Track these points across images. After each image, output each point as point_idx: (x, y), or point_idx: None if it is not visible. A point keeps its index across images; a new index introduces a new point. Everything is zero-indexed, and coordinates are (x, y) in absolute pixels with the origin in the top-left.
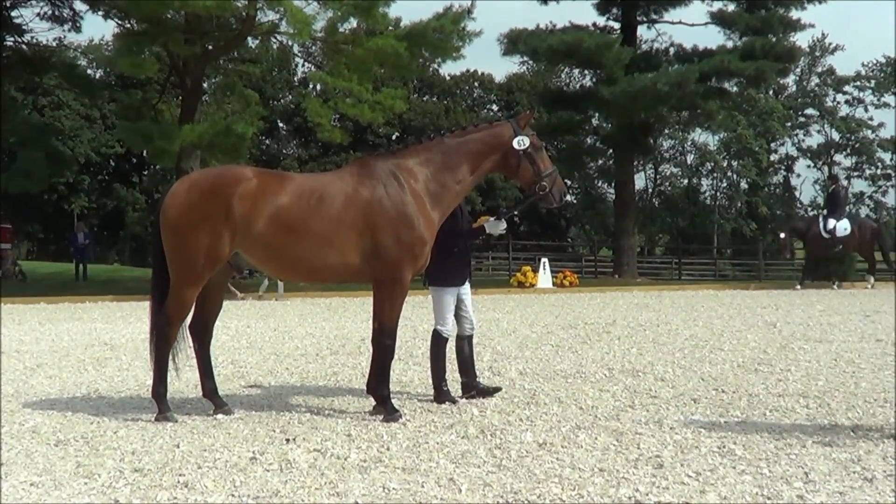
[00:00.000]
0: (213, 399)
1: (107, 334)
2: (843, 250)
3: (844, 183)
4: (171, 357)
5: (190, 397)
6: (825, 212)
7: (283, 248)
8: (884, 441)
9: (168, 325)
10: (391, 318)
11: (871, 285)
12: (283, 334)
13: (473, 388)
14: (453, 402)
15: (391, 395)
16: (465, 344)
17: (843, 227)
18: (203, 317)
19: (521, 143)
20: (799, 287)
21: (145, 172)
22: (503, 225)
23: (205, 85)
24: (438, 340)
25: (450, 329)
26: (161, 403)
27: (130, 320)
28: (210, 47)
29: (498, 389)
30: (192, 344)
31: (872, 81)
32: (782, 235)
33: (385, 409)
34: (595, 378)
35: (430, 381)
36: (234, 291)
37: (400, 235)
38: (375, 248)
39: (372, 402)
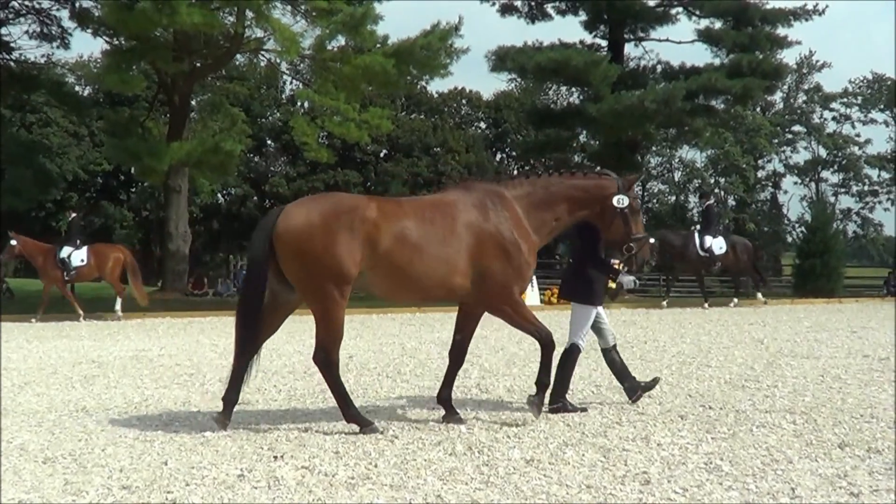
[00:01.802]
0: (226, 409)
1: (94, 352)
2: (722, 268)
3: (712, 201)
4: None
5: (177, 414)
6: (699, 228)
7: (406, 266)
8: (870, 456)
9: (328, 355)
10: (526, 321)
11: (735, 303)
12: (272, 352)
13: (639, 388)
14: (577, 410)
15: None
16: (614, 354)
17: (718, 245)
18: (258, 334)
19: (620, 201)
20: (707, 306)
21: (133, 190)
22: (631, 282)
23: (192, 102)
24: (574, 353)
25: (584, 344)
26: (359, 420)
27: (118, 338)
28: (198, 65)
29: (657, 380)
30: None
31: (859, 98)
32: (651, 240)
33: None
34: (583, 395)
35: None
36: (78, 310)
37: (509, 259)
38: (485, 272)
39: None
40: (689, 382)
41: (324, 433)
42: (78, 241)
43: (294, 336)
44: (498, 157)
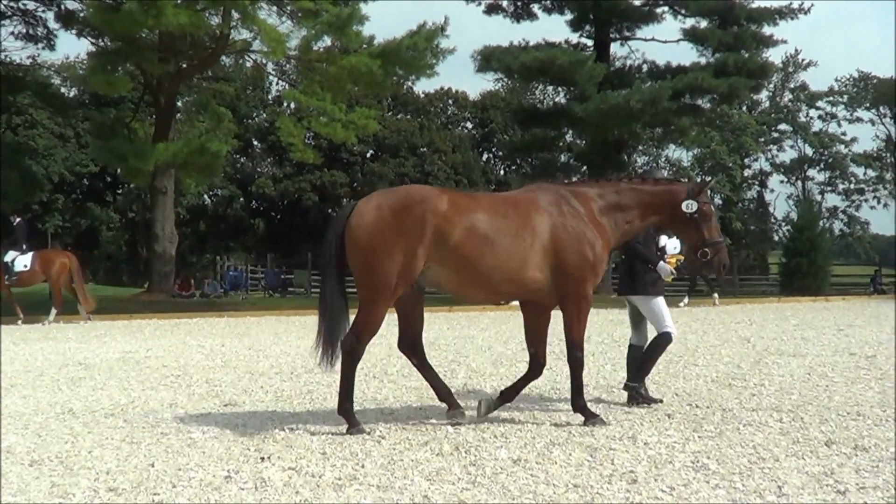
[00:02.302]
0: (448, 401)
1: (81, 354)
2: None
3: None
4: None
5: (164, 416)
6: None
7: (476, 260)
8: (857, 454)
9: (358, 343)
10: (579, 331)
11: (686, 303)
12: (258, 353)
13: (641, 397)
14: (656, 401)
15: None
16: (638, 353)
17: (673, 245)
18: (410, 332)
19: (689, 206)
20: (682, 305)
21: (119, 191)
22: (669, 272)
23: (178, 103)
24: (665, 341)
25: (674, 329)
26: (350, 418)
27: (105, 339)
28: (184, 65)
29: (660, 401)
30: (411, 362)
31: (845, 96)
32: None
33: (586, 416)
34: (569, 394)
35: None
36: (18, 313)
37: (585, 254)
38: (561, 266)
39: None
40: (676, 381)
41: (311, 434)
42: (24, 246)
43: (281, 337)
44: (485, 157)
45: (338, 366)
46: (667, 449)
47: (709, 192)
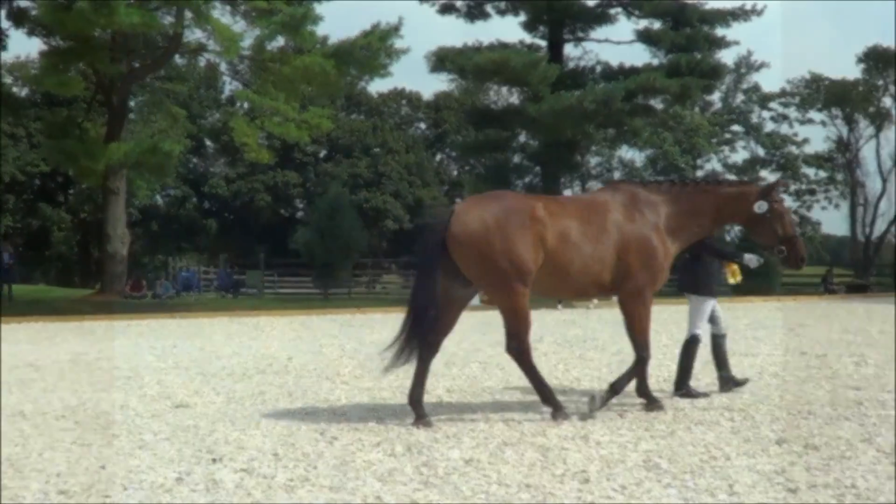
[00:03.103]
0: (416, 408)
1: (31, 355)
2: None
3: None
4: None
5: (115, 418)
6: None
7: (567, 264)
8: (807, 453)
9: (521, 342)
10: (641, 333)
11: (595, 304)
12: (210, 354)
13: (731, 381)
14: (701, 396)
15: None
16: (722, 341)
17: None
18: (438, 332)
19: (760, 207)
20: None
21: (71, 192)
22: (755, 259)
23: (131, 103)
24: (694, 344)
25: (701, 334)
26: (557, 404)
27: (56, 341)
28: (136, 65)
29: (747, 380)
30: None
31: (797, 98)
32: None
33: (650, 402)
34: (522, 394)
35: (673, 381)
36: None
37: (646, 261)
38: (626, 270)
39: (293, 419)
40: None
41: (262, 435)
42: None
43: (233, 338)
44: (438, 157)
45: (293, 366)
46: (619, 448)
47: (780, 190)
